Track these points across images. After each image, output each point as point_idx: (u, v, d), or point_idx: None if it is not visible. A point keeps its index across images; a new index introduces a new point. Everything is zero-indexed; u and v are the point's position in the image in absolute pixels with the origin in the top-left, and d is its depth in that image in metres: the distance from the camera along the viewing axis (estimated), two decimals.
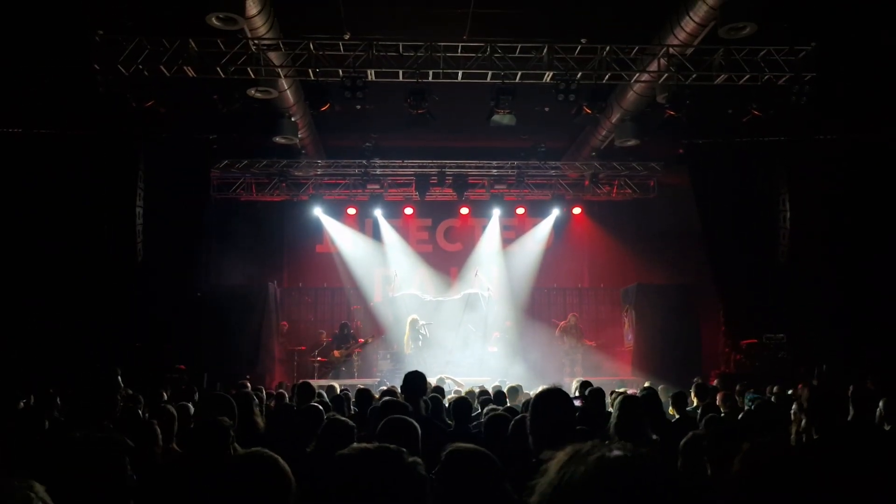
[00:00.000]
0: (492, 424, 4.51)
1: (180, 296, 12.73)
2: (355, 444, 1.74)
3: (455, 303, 15.11)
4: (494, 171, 15.67)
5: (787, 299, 12.81)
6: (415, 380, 5.31)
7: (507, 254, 16.55)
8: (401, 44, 9.84)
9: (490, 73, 10.05)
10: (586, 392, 5.91)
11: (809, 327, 12.27)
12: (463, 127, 13.07)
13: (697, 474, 2.88)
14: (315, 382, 8.58)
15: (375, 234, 16.56)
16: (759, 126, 11.56)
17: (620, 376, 13.51)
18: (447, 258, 16.67)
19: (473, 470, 2.41)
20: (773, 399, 7.54)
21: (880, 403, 5.15)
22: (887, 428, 5.01)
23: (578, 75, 10.05)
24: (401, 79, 10.12)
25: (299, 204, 16.07)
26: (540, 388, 3.34)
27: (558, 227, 16.61)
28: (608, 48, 10.04)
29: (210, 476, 2.86)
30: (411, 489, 1.61)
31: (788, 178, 13.43)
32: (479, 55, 9.96)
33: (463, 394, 7.69)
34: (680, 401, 6.69)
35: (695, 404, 7.07)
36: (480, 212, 16.56)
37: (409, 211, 16.63)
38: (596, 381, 7.16)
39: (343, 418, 4.08)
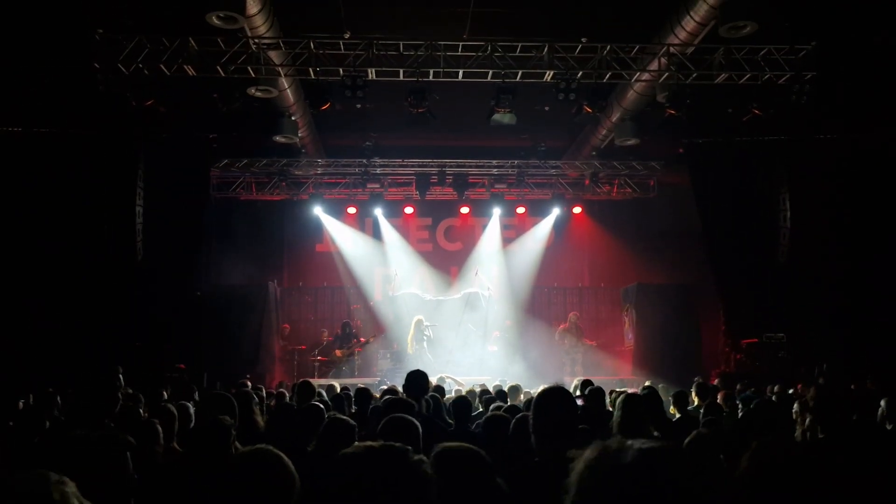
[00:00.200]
0: (490, 424, 4.50)
1: (180, 295, 12.72)
2: (360, 443, 1.72)
3: (455, 302, 15.09)
4: (495, 171, 15.67)
5: (787, 299, 12.81)
6: (418, 378, 5.31)
7: (508, 253, 16.55)
8: (401, 43, 9.84)
9: (490, 72, 10.05)
10: (587, 391, 5.93)
11: (809, 327, 12.28)
12: (463, 126, 13.07)
13: (709, 471, 2.88)
14: (315, 381, 8.56)
15: (375, 234, 16.54)
16: (759, 125, 11.56)
17: (620, 376, 13.52)
18: (447, 257, 16.66)
19: (464, 469, 2.40)
20: (773, 398, 7.56)
21: (882, 403, 5.17)
22: (889, 427, 5.02)
23: (579, 74, 10.05)
24: (401, 78, 10.12)
25: (299, 203, 16.07)
26: (542, 387, 3.33)
27: (558, 227, 16.60)
28: (608, 47, 10.03)
29: (211, 475, 2.85)
30: (417, 488, 1.60)
31: (788, 178, 13.44)
32: (480, 54, 9.96)
33: (463, 393, 7.70)
34: (681, 400, 6.69)
35: (696, 403, 7.08)
36: (481, 211, 16.55)
37: (409, 210, 16.63)
38: (596, 381, 7.18)
39: (344, 417, 4.07)
